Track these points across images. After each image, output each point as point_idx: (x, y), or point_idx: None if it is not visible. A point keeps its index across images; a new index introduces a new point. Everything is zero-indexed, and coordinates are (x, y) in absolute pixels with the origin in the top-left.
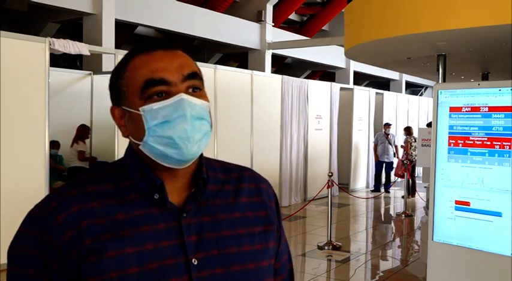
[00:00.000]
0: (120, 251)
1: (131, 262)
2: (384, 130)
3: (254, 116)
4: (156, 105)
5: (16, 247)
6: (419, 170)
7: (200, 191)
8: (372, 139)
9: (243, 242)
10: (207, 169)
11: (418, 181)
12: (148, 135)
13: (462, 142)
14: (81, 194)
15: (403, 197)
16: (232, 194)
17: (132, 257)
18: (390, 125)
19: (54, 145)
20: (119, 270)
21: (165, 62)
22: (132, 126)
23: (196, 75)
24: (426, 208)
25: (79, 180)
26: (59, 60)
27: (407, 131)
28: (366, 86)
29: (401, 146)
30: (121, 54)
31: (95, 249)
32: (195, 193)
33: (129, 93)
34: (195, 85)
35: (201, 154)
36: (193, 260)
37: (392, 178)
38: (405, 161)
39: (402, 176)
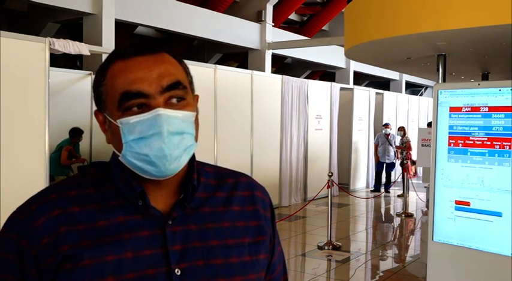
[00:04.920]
0: (97, 260)
1: (107, 271)
2: (382, 130)
3: (254, 116)
4: (132, 119)
5: None
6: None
7: (188, 198)
8: (372, 139)
9: (231, 253)
10: (198, 175)
11: (418, 181)
12: (126, 150)
13: (462, 142)
14: (62, 198)
15: (399, 196)
16: (223, 202)
17: (110, 265)
18: (389, 125)
19: (80, 134)
20: (94, 278)
21: (143, 71)
22: (113, 137)
23: (179, 85)
24: (426, 207)
25: (61, 184)
26: (59, 60)
27: (404, 131)
28: (366, 86)
29: (398, 147)
30: None
31: (71, 256)
32: (183, 200)
33: (108, 102)
34: (178, 95)
35: (193, 158)
36: (176, 270)
37: (393, 178)
38: (405, 161)
39: (414, 175)
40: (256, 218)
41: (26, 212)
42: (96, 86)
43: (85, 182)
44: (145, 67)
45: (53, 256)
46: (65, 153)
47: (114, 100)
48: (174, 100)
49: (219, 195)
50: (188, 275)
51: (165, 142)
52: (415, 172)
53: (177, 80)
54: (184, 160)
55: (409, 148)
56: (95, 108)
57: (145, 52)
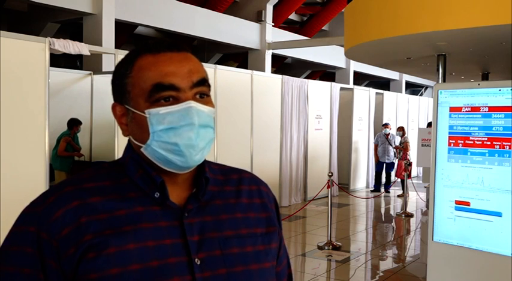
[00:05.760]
0: (121, 248)
1: (132, 259)
2: (382, 130)
3: (254, 116)
4: (162, 110)
5: (10, 246)
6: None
7: (202, 191)
8: (372, 139)
9: (245, 242)
10: (208, 170)
11: (418, 181)
12: (152, 140)
13: (462, 142)
14: (79, 190)
15: (399, 196)
16: (233, 195)
17: (133, 253)
18: (388, 124)
19: (80, 123)
20: (119, 267)
21: (175, 65)
22: (135, 128)
23: (205, 82)
24: (426, 207)
25: (75, 178)
26: (59, 60)
27: (404, 131)
28: (366, 86)
29: (396, 147)
30: (121, 54)
31: (95, 245)
32: (197, 193)
33: (135, 93)
34: (203, 91)
35: None
36: (196, 260)
37: (393, 178)
38: (405, 161)
39: (408, 176)
40: (265, 210)
41: (42, 205)
42: (120, 79)
43: (100, 176)
44: (176, 62)
45: (75, 246)
46: (63, 144)
47: (143, 92)
48: (199, 96)
49: (228, 189)
50: (207, 265)
51: (194, 132)
52: (410, 173)
53: (204, 77)
54: (206, 152)
55: (406, 149)
56: (96, 107)
57: (174, 49)
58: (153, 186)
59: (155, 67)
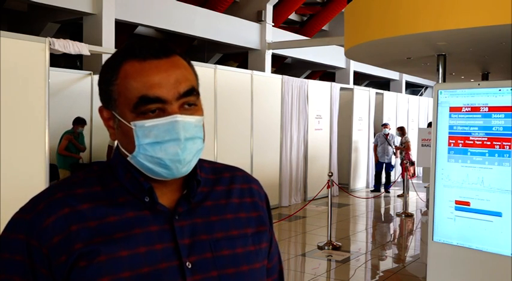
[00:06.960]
0: (112, 255)
1: (123, 266)
2: (382, 130)
3: (254, 116)
4: (148, 123)
5: (0, 253)
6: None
7: (193, 193)
8: (372, 139)
9: (236, 244)
10: (200, 170)
11: (418, 181)
12: (138, 152)
13: (462, 142)
14: (69, 196)
15: (399, 196)
16: (224, 195)
17: (125, 261)
18: (387, 124)
19: (82, 123)
20: (110, 275)
21: (161, 75)
22: (122, 137)
23: (193, 91)
24: (426, 207)
25: (65, 182)
26: (59, 60)
27: (402, 131)
28: (366, 86)
29: (397, 148)
30: None
31: (86, 253)
32: (187, 195)
33: (121, 102)
34: (191, 101)
35: None
36: (187, 263)
37: (393, 178)
38: (406, 161)
39: (413, 175)
40: (255, 209)
41: (32, 212)
42: (106, 84)
43: (90, 180)
44: (162, 71)
45: (66, 254)
46: (65, 142)
47: (129, 102)
48: (187, 105)
49: (219, 189)
50: (199, 268)
51: (181, 147)
52: (414, 172)
53: (192, 86)
54: (194, 163)
55: (407, 149)
56: (96, 107)
57: (161, 55)
58: (141, 190)
59: (141, 77)
